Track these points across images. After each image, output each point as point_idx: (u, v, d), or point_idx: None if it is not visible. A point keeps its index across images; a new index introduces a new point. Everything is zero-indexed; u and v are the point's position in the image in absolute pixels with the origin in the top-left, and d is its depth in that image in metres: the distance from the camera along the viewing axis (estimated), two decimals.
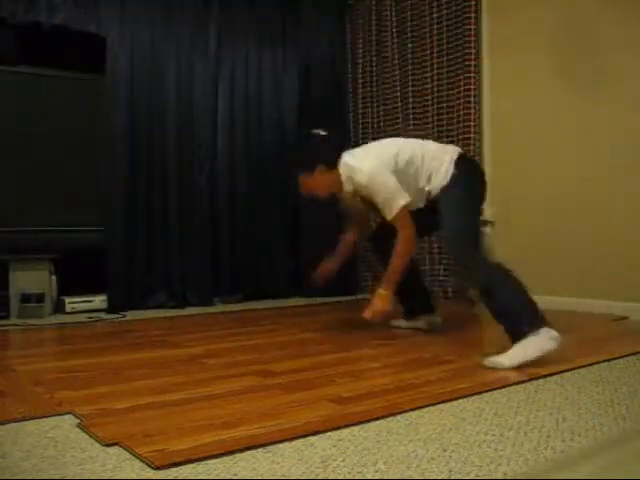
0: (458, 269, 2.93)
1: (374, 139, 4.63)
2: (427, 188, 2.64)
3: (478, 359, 2.21)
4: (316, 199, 2.81)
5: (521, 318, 2.21)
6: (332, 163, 2.71)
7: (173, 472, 1.27)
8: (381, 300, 2.65)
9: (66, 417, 1.65)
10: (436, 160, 2.64)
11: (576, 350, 2.44)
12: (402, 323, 3.05)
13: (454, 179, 2.60)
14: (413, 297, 2.98)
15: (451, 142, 4.04)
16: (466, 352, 2.46)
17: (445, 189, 2.60)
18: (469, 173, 2.66)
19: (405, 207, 2.60)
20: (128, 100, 3.86)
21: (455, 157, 2.63)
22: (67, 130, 3.81)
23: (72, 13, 3.63)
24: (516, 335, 2.19)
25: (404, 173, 2.62)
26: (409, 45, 4.32)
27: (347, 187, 2.72)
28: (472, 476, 1.23)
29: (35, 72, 3.71)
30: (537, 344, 2.14)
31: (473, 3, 3.92)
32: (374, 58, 4.57)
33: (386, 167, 2.60)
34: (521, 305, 2.24)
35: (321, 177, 2.71)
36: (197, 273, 4.10)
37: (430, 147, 2.71)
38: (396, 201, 2.58)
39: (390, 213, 2.61)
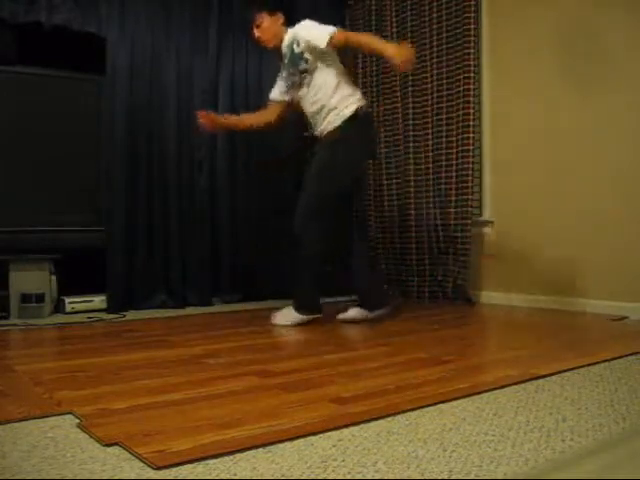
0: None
1: None
2: (329, 114, 2.99)
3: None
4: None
5: None
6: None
7: (173, 472, 1.27)
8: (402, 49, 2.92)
9: (66, 417, 1.65)
10: (348, 98, 3.03)
11: (576, 350, 2.45)
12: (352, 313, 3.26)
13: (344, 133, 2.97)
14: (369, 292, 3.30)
15: (450, 142, 4.04)
16: (466, 352, 2.46)
17: (331, 139, 2.98)
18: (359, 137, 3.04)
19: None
20: (128, 100, 3.86)
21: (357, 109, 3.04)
22: (67, 130, 3.81)
23: (72, 13, 3.63)
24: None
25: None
26: (409, 45, 4.31)
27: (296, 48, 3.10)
28: (472, 476, 1.22)
29: (35, 72, 3.70)
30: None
31: (473, 3, 3.92)
32: (373, 58, 4.56)
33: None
34: None
35: (273, 24, 3.15)
36: (197, 273, 4.10)
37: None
38: (328, 30, 2.99)
39: (326, 35, 2.98)
